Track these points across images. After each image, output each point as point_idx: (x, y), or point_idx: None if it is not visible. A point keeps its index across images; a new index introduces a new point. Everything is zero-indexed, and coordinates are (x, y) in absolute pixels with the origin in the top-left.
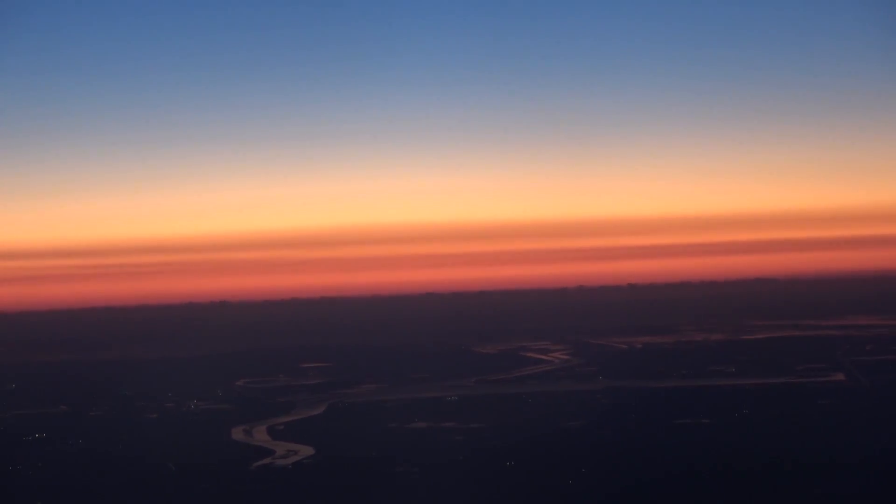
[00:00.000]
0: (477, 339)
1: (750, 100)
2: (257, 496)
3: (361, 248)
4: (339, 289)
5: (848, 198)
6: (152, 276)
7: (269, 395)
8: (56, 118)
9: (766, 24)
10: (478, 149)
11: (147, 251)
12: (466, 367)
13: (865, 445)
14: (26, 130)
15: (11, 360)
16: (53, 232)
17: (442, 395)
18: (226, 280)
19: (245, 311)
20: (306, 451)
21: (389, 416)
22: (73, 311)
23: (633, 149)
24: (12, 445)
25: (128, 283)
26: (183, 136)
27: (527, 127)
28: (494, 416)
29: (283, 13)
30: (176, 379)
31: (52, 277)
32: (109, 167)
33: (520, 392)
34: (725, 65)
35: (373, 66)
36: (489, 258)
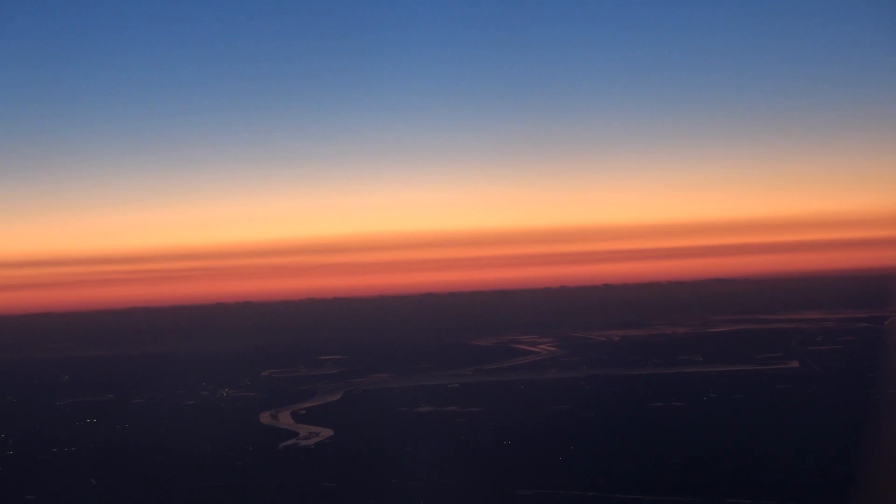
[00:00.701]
0: (472, 333)
1: (713, 122)
2: (285, 472)
3: (368, 254)
4: (348, 290)
5: (798, 207)
6: (184, 280)
7: (292, 384)
8: (100, 141)
9: (734, 49)
10: (471, 166)
11: (179, 258)
12: (464, 358)
13: (819, 421)
14: (76, 153)
15: (62, 354)
16: (97, 241)
17: (444, 382)
18: (249, 283)
19: (266, 311)
20: (326, 432)
21: (398, 401)
22: (115, 311)
23: (607, 165)
24: (68, 429)
25: (163, 287)
26: (212, 157)
27: (515, 147)
28: (491, 400)
29: (313, 42)
30: (208, 371)
31: (97, 282)
32: (148, 184)
33: (513, 379)
34: (692, 91)
35: (377, 94)
36: (481, 262)
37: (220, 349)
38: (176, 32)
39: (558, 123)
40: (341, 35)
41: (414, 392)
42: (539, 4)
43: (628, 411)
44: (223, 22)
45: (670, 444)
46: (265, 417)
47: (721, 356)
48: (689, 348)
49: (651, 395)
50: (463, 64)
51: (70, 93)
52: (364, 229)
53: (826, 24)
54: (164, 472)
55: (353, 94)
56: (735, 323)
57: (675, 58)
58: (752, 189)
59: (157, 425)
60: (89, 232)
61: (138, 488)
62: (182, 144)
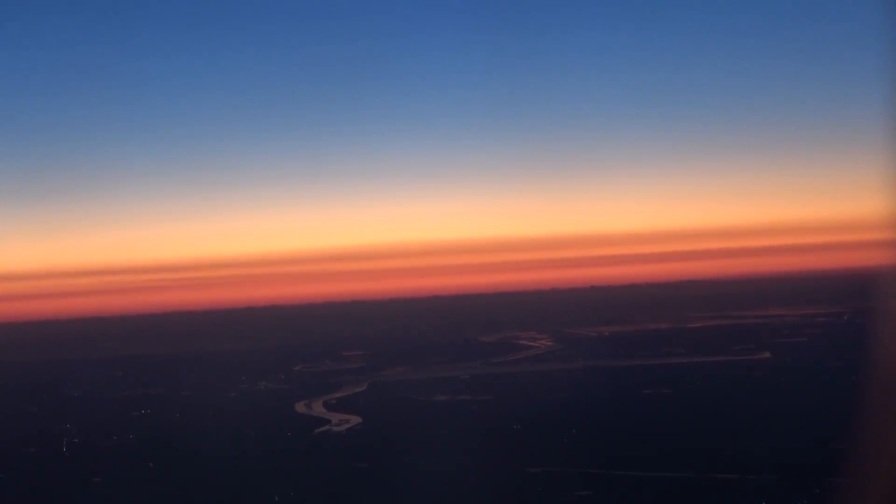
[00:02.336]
0: (478, 331)
1: (688, 137)
2: (322, 454)
3: (382, 261)
4: (365, 294)
5: (763, 215)
6: (217, 287)
7: (321, 377)
8: (146, 162)
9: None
10: (474, 181)
11: (213, 267)
12: (472, 353)
13: (794, 402)
14: (126, 173)
15: (117, 353)
16: (140, 252)
17: (456, 374)
18: (275, 289)
19: (291, 314)
20: (356, 419)
21: (417, 391)
22: (157, 315)
23: (593, 178)
24: (125, 419)
25: (198, 293)
26: (243, 175)
27: (513, 163)
28: (500, 390)
29: (334, 68)
30: (244, 367)
31: (141, 289)
32: (185, 200)
33: (518, 371)
34: (671, 110)
35: (391, 118)
36: (482, 268)
37: (253, 348)
38: (214, 53)
39: (551, 141)
40: (357, 63)
41: (430, 383)
42: (535, 15)
43: (623, 398)
44: (259, 45)
45: (664, 426)
46: (300, 407)
47: (700, 349)
48: (671, 342)
49: (642, 383)
50: (468, 84)
51: (113, 116)
52: (378, 239)
53: (815, 33)
54: (214, 455)
55: (371, 119)
56: (710, 319)
57: (660, 70)
58: (721, 198)
59: (204, 415)
60: (133, 244)
61: (192, 471)
62: (218, 165)
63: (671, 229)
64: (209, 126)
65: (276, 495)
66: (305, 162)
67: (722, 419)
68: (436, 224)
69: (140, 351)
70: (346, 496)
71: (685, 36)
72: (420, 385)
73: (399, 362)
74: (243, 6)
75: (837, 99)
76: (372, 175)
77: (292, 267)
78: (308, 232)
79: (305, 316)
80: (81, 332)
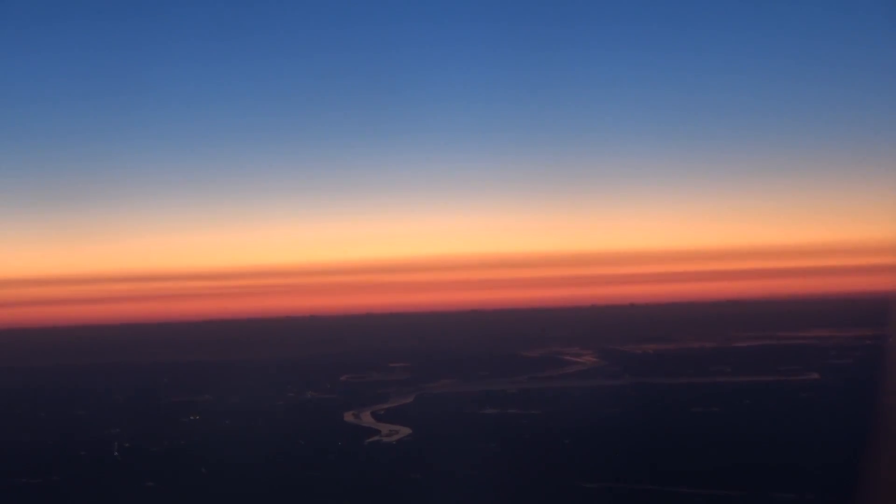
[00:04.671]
0: (520, 345)
1: (729, 156)
2: (374, 465)
3: (420, 274)
4: (403, 307)
5: (805, 236)
6: (259, 296)
7: (368, 387)
8: (195, 173)
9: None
10: (514, 196)
11: (255, 276)
12: (517, 367)
13: (846, 423)
14: (175, 183)
15: (162, 359)
16: (184, 260)
17: (503, 388)
18: (315, 299)
19: (331, 324)
20: (405, 430)
21: (465, 404)
22: (199, 322)
23: (632, 195)
24: (175, 424)
25: (240, 301)
26: (286, 187)
27: (553, 179)
28: (548, 404)
29: (378, 83)
30: (290, 375)
31: (184, 296)
32: (227, 210)
33: (565, 386)
34: (707, 129)
35: (435, 130)
36: (520, 283)
37: (296, 357)
38: (245, 63)
39: (592, 158)
40: (400, 80)
41: (477, 396)
42: (563, 39)
43: (672, 415)
44: (301, 57)
45: (715, 443)
46: (349, 416)
47: (747, 368)
48: (717, 361)
49: (690, 401)
50: (504, 99)
51: (147, 126)
52: (417, 252)
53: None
54: (266, 462)
55: (413, 131)
56: (754, 339)
57: (706, 92)
58: (762, 219)
59: (253, 422)
60: (173, 251)
61: (244, 478)
62: (263, 177)
63: (709, 248)
64: (251, 137)
65: None
66: (348, 173)
67: (774, 438)
68: (474, 238)
69: (183, 358)
70: None
71: (717, 54)
72: (467, 398)
73: (444, 375)
74: (272, 20)
75: (883, 119)
76: (415, 187)
77: (332, 277)
78: (349, 243)
79: (344, 327)
80: (122, 337)
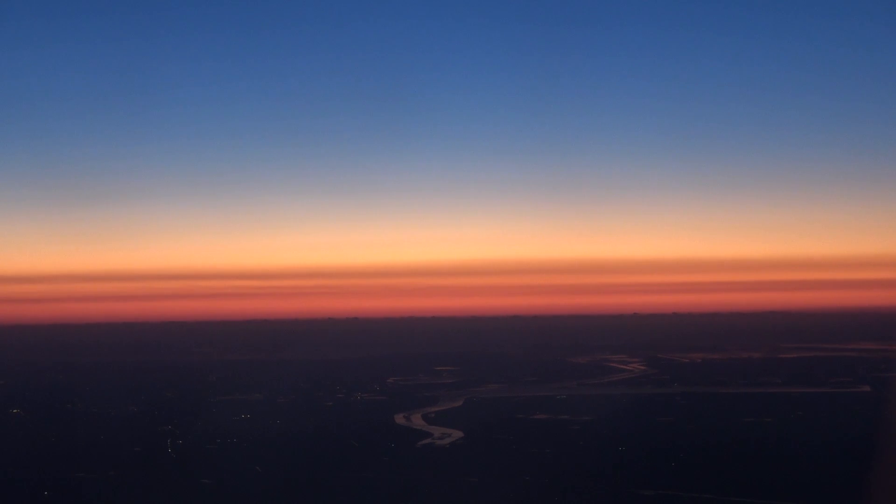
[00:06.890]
0: (566, 352)
1: (776, 165)
2: (428, 467)
3: (463, 278)
4: (443, 310)
5: (848, 249)
6: (300, 297)
7: (416, 390)
8: (246, 174)
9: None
10: (556, 203)
11: (296, 276)
12: (565, 373)
13: None
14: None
15: (211, 358)
16: (226, 259)
17: (552, 394)
18: (356, 301)
19: (372, 326)
20: (457, 433)
21: (515, 409)
22: (241, 321)
23: (678, 204)
24: (226, 423)
25: (282, 302)
26: (329, 192)
27: (593, 186)
28: (599, 411)
29: (415, 92)
30: (336, 376)
31: (225, 295)
32: (270, 213)
33: (615, 393)
34: (714, 139)
35: (470, 138)
36: (561, 289)
37: (340, 358)
38: (274, 68)
39: (628, 166)
40: (436, 88)
41: (527, 401)
42: (571, 48)
43: (724, 424)
44: (341, 62)
45: (770, 454)
46: (399, 419)
47: (797, 379)
48: (767, 371)
49: (742, 410)
50: (532, 110)
51: (171, 129)
52: (458, 256)
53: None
54: (320, 463)
55: (458, 137)
56: (802, 350)
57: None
58: (804, 231)
59: (304, 422)
60: (220, 251)
61: (299, 477)
62: (306, 180)
63: (755, 258)
64: (291, 140)
65: None
66: (392, 176)
67: (828, 450)
68: (515, 243)
69: (229, 356)
70: None
71: (731, 65)
72: (517, 403)
73: (492, 379)
74: (298, 26)
75: None
76: (455, 194)
77: (374, 280)
78: (390, 246)
79: (385, 329)
80: (169, 335)
